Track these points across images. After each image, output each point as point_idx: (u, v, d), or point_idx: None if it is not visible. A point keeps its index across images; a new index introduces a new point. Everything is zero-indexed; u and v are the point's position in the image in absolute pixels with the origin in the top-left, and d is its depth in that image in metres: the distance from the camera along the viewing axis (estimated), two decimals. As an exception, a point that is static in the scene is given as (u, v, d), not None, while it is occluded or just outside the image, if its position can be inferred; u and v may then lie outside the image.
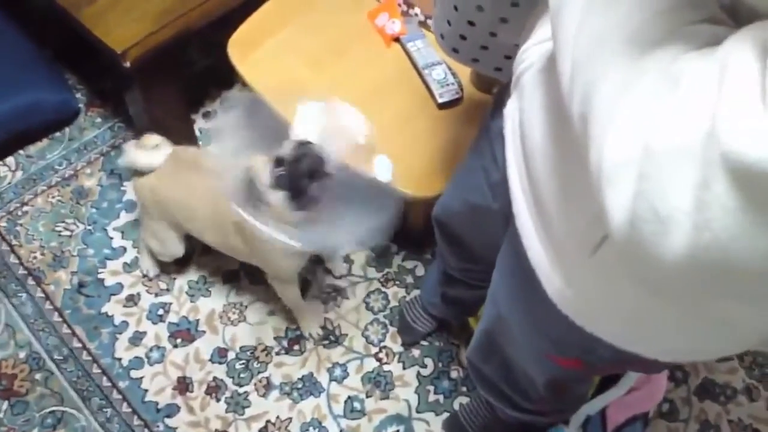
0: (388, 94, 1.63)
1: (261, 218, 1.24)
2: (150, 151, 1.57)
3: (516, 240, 0.80)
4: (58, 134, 2.04)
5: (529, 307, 0.85)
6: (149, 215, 1.63)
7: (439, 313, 1.66)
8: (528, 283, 0.79)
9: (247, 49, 1.68)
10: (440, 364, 1.71)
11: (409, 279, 1.82)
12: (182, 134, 1.87)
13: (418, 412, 1.65)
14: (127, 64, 1.59)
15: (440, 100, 1.60)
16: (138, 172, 1.58)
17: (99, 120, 2.07)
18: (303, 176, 1.22)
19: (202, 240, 1.60)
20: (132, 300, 1.76)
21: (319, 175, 1.23)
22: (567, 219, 0.68)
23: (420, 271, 1.83)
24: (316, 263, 1.81)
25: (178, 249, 1.67)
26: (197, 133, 2.02)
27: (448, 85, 1.62)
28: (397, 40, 1.70)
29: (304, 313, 1.72)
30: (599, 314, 0.72)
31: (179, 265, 1.80)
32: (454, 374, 1.70)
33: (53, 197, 1.91)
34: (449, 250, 1.37)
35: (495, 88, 1.61)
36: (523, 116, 0.76)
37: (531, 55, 0.76)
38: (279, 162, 1.23)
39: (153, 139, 1.59)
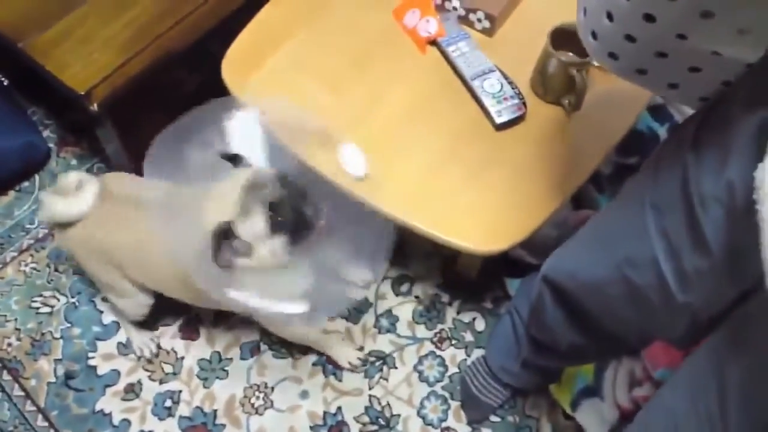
0: (427, 117, 1.28)
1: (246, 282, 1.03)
2: (73, 196, 1.23)
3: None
4: (26, 184, 1.69)
5: None
6: (95, 270, 1.30)
7: (513, 381, 1.33)
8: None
9: (245, 69, 1.32)
10: (518, 445, 1.38)
11: (468, 336, 1.48)
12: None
13: None
14: (94, 107, 1.24)
15: (498, 120, 1.24)
16: (62, 224, 1.25)
17: (74, 161, 1.72)
18: (306, 213, 1.03)
19: (170, 295, 1.29)
20: (132, 390, 1.43)
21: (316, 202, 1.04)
22: None
23: (480, 324, 1.49)
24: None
25: (147, 296, 1.34)
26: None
27: (506, 99, 1.25)
28: (433, 43, 1.33)
29: (332, 342, 1.43)
30: None
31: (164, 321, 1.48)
32: (536, 456, 1.37)
33: (26, 265, 1.58)
34: (563, 320, 1.04)
35: (567, 98, 1.25)
36: None
37: None
38: (274, 206, 1.00)
39: (70, 177, 1.26)
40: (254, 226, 1.00)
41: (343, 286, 1.15)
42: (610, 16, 0.67)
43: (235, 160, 1.06)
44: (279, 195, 1.00)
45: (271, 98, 1.25)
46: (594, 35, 0.71)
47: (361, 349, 1.46)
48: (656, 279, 0.76)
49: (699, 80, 0.69)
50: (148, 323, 1.45)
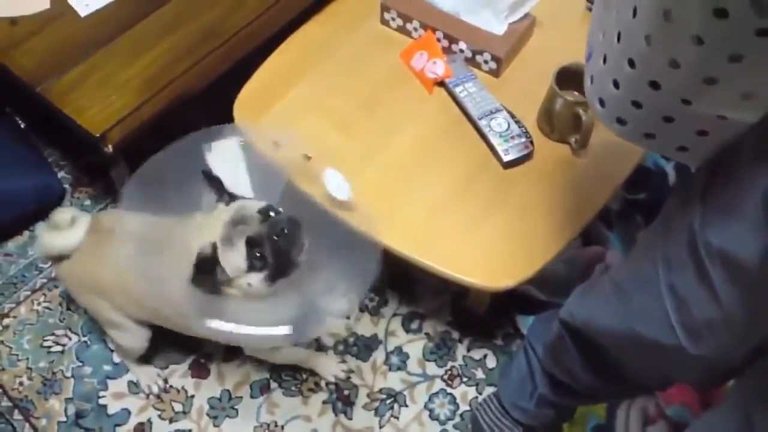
0: (435, 156, 1.30)
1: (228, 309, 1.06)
2: (67, 230, 1.27)
3: None
4: (41, 224, 1.71)
5: None
6: (87, 303, 1.35)
7: (525, 418, 1.31)
8: None
9: (257, 111, 1.36)
10: (531, 485, 1.36)
11: (479, 373, 1.48)
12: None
13: None
14: (109, 149, 1.27)
15: (506, 158, 1.26)
16: (59, 257, 1.30)
17: (88, 202, 1.75)
18: (287, 252, 1.04)
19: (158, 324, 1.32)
20: (142, 430, 1.43)
21: (298, 240, 1.05)
22: None
23: (491, 361, 1.49)
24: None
25: (143, 328, 1.36)
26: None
27: (513, 137, 1.28)
28: (441, 84, 1.36)
29: (317, 360, 1.46)
30: None
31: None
32: (550, 497, 1.35)
33: (39, 304, 1.59)
34: (582, 364, 1.04)
35: (573, 136, 1.27)
36: None
37: None
38: (253, 242, 1.03)
39: (64, 213, 1.30)
40: (234, 260, 1.02)
41: (322, 316, 1.16)
42: (616, 84, 0.68)
43: (213, 181, 1.09)
44: (259, 231, 1.03)
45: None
46: (601, 102, 0.72)
47: (344, 363, 1.47)
48: (667, 332, 0.76)
49: (707, 143, 0.70)
50: (154, 360, 1.47)
